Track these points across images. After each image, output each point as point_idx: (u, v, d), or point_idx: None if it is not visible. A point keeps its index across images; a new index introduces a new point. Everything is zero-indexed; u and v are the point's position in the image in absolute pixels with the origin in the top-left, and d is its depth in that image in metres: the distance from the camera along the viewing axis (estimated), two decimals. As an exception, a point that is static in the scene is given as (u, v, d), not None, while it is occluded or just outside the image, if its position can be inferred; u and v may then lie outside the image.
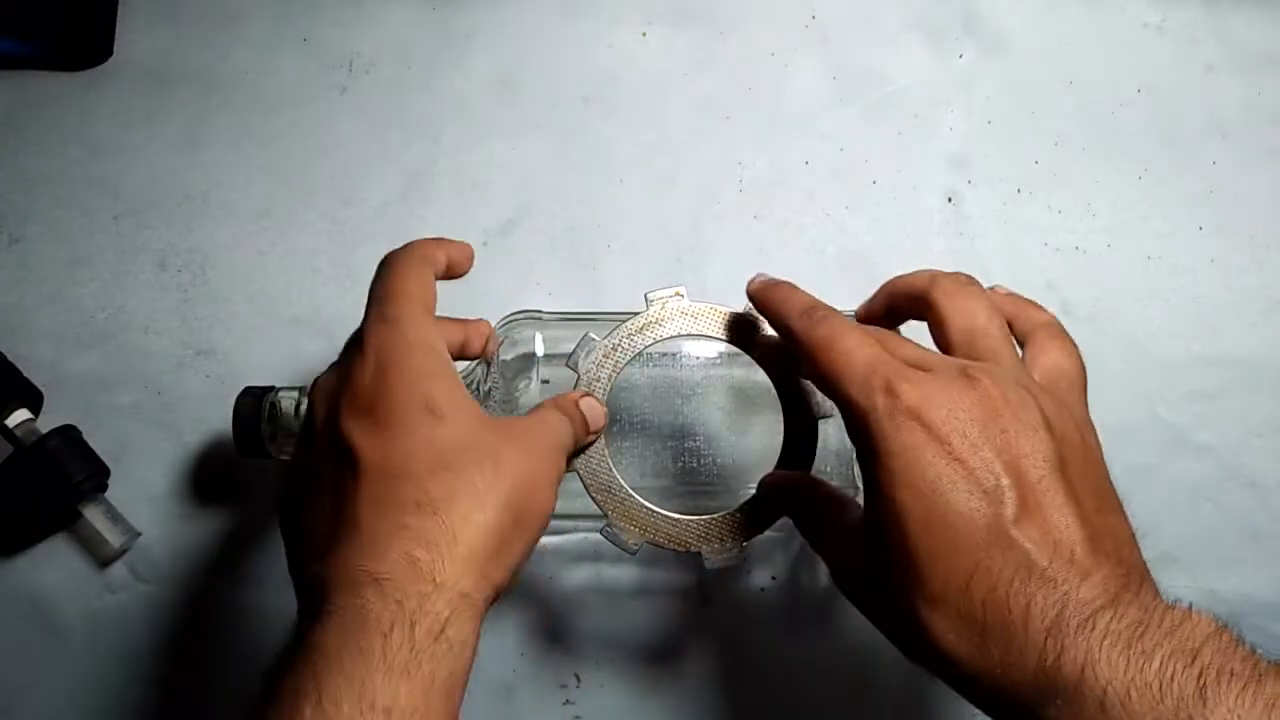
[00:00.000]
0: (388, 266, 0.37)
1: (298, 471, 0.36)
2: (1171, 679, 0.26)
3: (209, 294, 0.53)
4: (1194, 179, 0.55)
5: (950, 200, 0.55)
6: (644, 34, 0.57)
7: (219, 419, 0.50)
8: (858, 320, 0.41)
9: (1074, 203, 0.55)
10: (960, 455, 0.31)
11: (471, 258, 0.41)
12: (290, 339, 0.52)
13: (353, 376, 0.34)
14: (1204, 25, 0.57)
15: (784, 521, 0.40)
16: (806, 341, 0.35)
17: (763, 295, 0.38)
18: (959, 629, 0.30)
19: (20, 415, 0.49)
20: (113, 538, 0.48)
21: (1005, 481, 0.30)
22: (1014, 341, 0.36)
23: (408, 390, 0.33)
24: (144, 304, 0.53)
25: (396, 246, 0.53)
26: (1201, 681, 0.26)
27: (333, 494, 0.33)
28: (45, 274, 0.53)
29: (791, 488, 0.40)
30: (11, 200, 0.54)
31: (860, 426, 0.32)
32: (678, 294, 0.42)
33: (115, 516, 0.49)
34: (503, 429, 0.35)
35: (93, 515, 0.48)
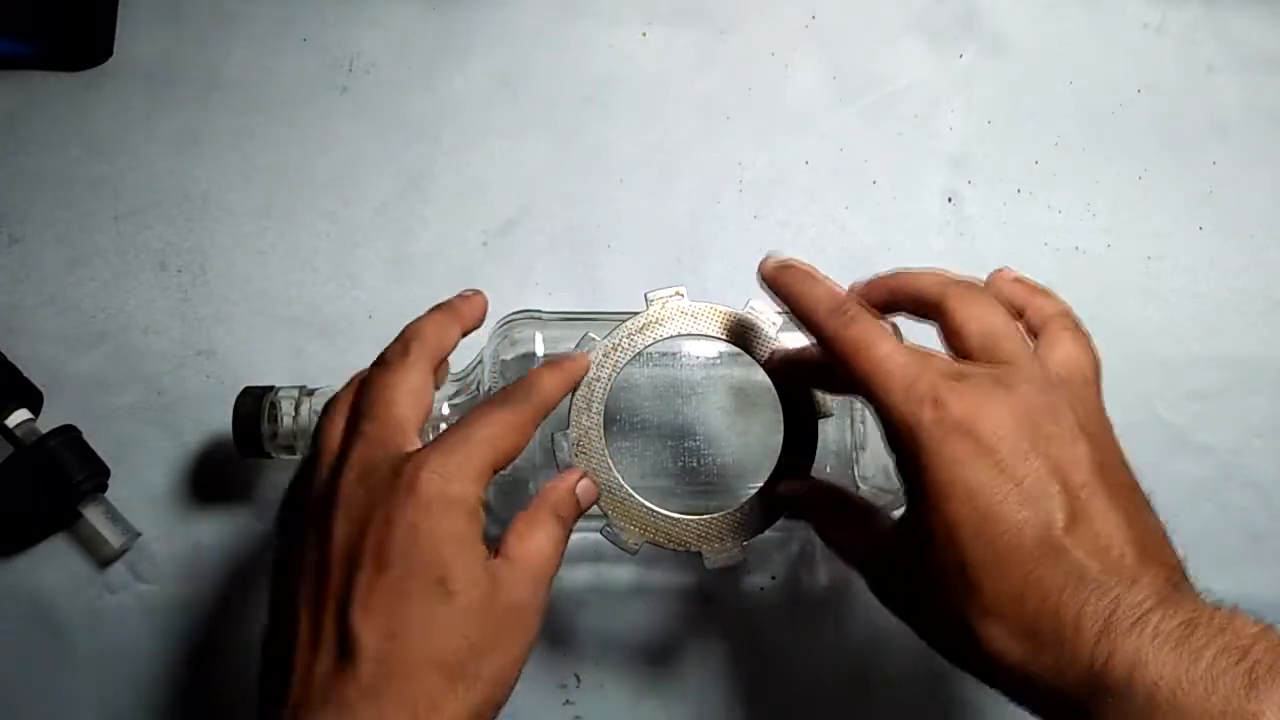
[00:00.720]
0: (399, 391, 0.36)
1: (295, 567, 0.34)
2: (1222, 674, 0.26)
3: (209, 294, 0.53)
4: (1194, 179, 0.55)
5: (950, 200, 0.55)
6: (644, 34, 0.57)
7: (219, 419, 0.50)
8: None
9: (1074, 203, 0.55)
10: (1008, 466, 0.31)
11: (483, 308, 0.41)
12: (290, 339, 0.52)
13: (384, 532, 0.33)
14: (1204, 25, 0.57)
15: (784, 521, 0.40)
16: (838, 342, 0.34)
17: (779, 281, 0.37)
18: (1012, 637, 0.30)
19: (20, 415, 0.49)
20: (113, 538, 0.48)
21: (1053, 489, 0.30)
22: (1029, 340, 0.35)
23: (428, 561, 0.32)
24: (144, 304, 0.53)
25: (396, 248, 0.53)
26: (1252, 676, 0.26)
27: (333, 654, 0.32)
28: (45, 274, 0.53)
29: (819, 499, 0.40)
30: (11, 200, 0.54)
31: (905, 438, 0.32)
32: (678, 294, 0.42)
33: (115, 516, 0.48)
34: (496, 609, 0.33)
35: (93, 515, 0.48)
